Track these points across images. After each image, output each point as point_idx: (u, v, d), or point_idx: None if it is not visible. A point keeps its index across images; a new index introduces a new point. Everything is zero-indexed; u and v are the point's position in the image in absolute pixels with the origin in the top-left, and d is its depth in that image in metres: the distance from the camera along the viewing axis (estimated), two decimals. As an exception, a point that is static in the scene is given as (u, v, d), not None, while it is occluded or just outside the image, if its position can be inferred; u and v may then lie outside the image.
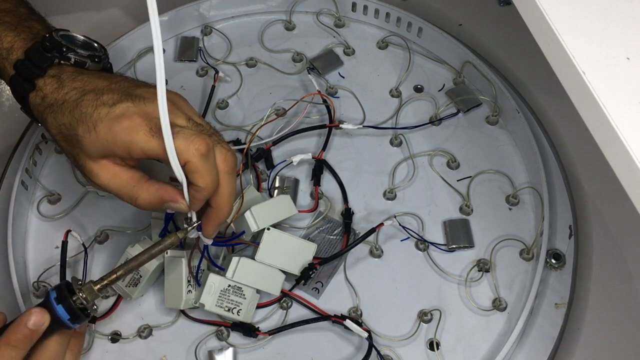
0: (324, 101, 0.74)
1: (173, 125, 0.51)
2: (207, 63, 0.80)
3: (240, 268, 0.60)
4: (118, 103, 0.52)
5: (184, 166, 0.51)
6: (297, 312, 0.64)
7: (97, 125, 0.52)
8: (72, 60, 0.57)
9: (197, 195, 0.53)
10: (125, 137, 0.51)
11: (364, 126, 0.74)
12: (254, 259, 0.61)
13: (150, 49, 0.81)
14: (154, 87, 0.49)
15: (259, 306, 0.63)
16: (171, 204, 0.54)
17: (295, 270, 0.63)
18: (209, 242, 0.59)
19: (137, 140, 0.51)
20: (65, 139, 0.54)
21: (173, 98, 0.56)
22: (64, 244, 0.62)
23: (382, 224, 0.65)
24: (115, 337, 0.62)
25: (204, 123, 0.56)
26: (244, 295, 0.61)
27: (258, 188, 0.70)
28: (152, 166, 0.65)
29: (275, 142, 0.72)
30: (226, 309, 0.60)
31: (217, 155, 0.53)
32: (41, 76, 0.56)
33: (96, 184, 0.54)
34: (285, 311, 0.63)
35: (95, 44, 0.62)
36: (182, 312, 0.63)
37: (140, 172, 0.55)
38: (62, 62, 0.57)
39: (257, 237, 0.64)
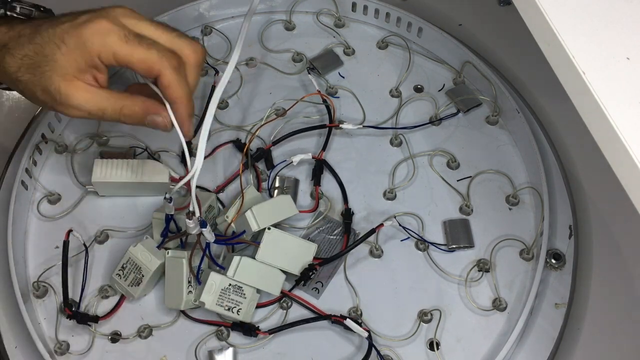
0: (324, 101, 0.74)
1: (143, 37, 0.53)
2: (207, 63, 0.80)
3: (241, 267, 0.60)
4: (80, 15, 0.53)
5: (156, 79, 0.53)
6: (297, 312, 0.64)
7: (64, 38, 0.52)
8: (18, 9, 0.57)
9: (179, 113, 0.54)
10: (96, 40, 0.52)
11: (364, 126, 0.74)
12: (254, 258, 0.62)
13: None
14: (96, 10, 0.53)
15: (259, 306, 0.63)
16: (154, 116, 0.54)
17: (295, 270, 0.63)
18: (211, 239, 0.59)
19: (110, 44, 0.52)
20: (30, 69, 0.53)
21: (125, 12, 0.55)
22: (66, 243, 0.62)
23: (382, 224, 0.65)
24: (115, 337, 0.62)
25: (163, 25, 0.57)
26: (244, 294, 0.61)
27: (258, 188, 0.70)
28: (152, 166, 0.65)
29: (275, 142, 0.72)
30: (226, 308, 0.60)
31: (186, 57, 0.55)
32: None
33: (75, 108, 0.54)
34: (285, 311, 0.63)
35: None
36: (182, 312, 0.63)
37: (118, 90, 0.55)
38: (7, 13, 0.56)
39: (257, 236, 0.64)
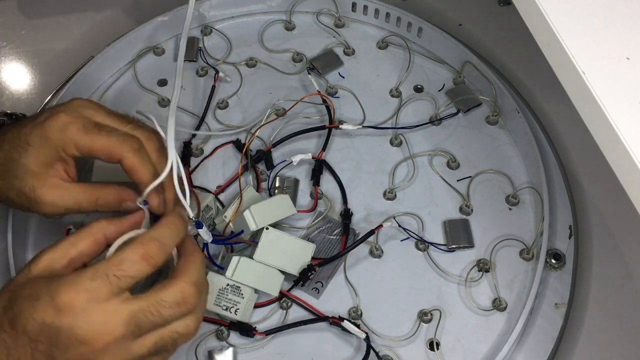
0: (324, 102, 0.74)
1: (102, 125, 0.54)
2: (207, 63, 0.80)
3: (240, 267, 0.60)
4: (40, 115, 0.55)
5: (118, 162, 0.53)
6: (297, 312, 0.64)
7: (28, 139, 0.54)
8: None
9: (151, 194, 0.54)
10: (57, 134, 0.53)
11: (363, 126, 0.74)
12: (252, 258, 0.61)
13: (150, 49, 0.81)
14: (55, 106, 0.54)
15: (258, 305, 0.63)
16: (128, 203, 0.55)
17: (293, 270, 0.63)
18: (208, 239, 0.59)
19: (71, 135, 0.53)
20: (2, 175, 0.54)
21: (83, 104, 0.57)
22: None
23: (381, 225, 0.65)
24: (115, 337, 0.62)
25: (120, 114, 0.58)
26: (242, 294, 0.61)
27: (257, 189, 0.70)
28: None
29: (275, 144, 0.72)
30: (224, 307, 0.60)
31: (140, 136, 0.56)
32: None
33: (50, 205, 0.54)
34: (285, 311, 0.63)
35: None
36: None
37: (90, 182, 0.57)
38: None
39: (255, 236, 0.64)
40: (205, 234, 0.58)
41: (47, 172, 0.54)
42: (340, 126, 0.72)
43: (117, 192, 0.56)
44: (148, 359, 0.48)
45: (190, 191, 0.65)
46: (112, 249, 0.49)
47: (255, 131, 0.72)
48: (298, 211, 0.67)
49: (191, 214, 0.55)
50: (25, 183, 0.54)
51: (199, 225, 0.57)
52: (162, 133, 0.57)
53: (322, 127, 0.73)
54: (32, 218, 0.69)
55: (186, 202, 0.55)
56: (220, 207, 0.68)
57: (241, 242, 0.64)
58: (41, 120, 0.54)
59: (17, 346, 0.45)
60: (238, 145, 0.73)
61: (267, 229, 0.62)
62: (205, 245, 0.60)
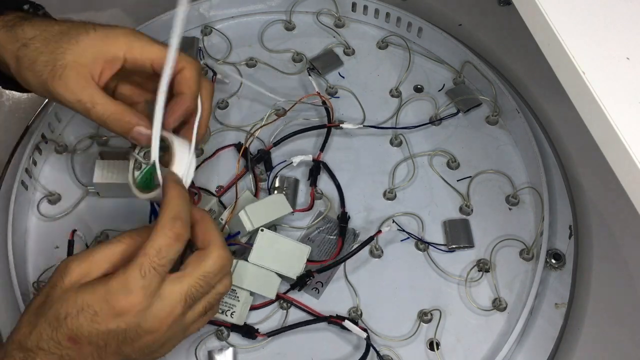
0: (323, 103, 0.74)
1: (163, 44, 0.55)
2: (206, 64, 0.80)
3: (236, 271, 0.60)
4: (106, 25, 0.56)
5: (178, 72, 0.55)
6: (297, 313, 0.64)
7: (96, 27, 0.55)
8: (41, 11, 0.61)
9: (178, 106, 0.55)
10: (125, 37, 0.55)
11: (364, 126, 0.74)
12: (246, 260, 0.61)
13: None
14: None
15: (256, 307, 0.63)
16: (140, 129, 0.55)
17: (288, 272, 0.62)
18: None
19: (140, 42, 0.55)
20: (45, 41, 0.54)
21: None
22: (71, 243, 0.62)
23: (379, 231, 0.65)
24: (115, 337, 0.62)
25: None
26: (237, 297, 0.60)
27: (255, 192, 0.69)
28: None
29: (275, 144, 0.72)
30: (220, 311, 0.60)
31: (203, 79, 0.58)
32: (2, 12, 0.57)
33: (68, 89, 0.54)
34: (285, 312, 0.63)
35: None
36: None
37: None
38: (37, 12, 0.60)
39: (251, 238, 0.64)
40: None
41: (90, 62, 0.54)
42: (340, 125, 0.72)
43: (137, 115, 0.55)
44: (199, 320, 0.52)
45: (197, 191, 0.66)
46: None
47: (255, 131, 0.72)
48: (295, 210, 0.67)
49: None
50: (64, 57, 0.53)
51: None
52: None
53: (323, 126, 0.73)
54: (32, 218, 0.69)
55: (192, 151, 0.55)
56: (223, 210, 0.68)
57: (235, 244, 0.64)
58: (115, 25, 0.56)
59: (82, 355, 0.47)
60: (239, 148, 0.73)
61: (262, 230, 0.62)
62: None
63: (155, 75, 0.53)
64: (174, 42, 0.51)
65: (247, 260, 0.61)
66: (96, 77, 0.54)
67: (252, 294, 0.62)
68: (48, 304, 0.47)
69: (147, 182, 0.55)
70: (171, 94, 0.55)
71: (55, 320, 0.46)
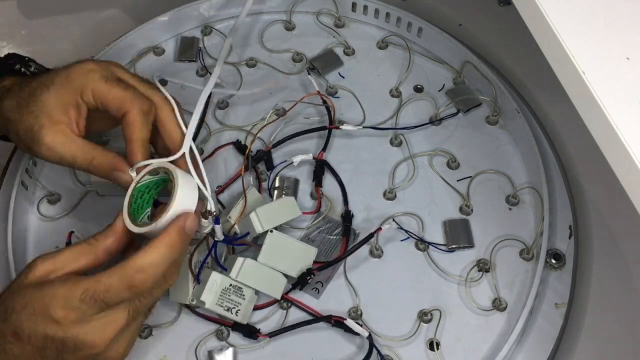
0: (324, 102, 0.74)
1: (122, 81, 0.57)
2: (205, 67, 0.80)
3: (244, 269, 0.60)
4: (69, 65, 0.58)
5: (123, 116, 0.56)
6: (297, 313, 0.64)
7: (54, 79, 0.57)
8: (32, 68, 0.65)
9: (129, 154, 0.57)
10: (80, 77, 0.56)
11: (364, 127, 0.74)
12: (256, 260, 0.61)
13: (150, 49, 0.81)
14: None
15: (258, 307, 0.63)
16: (119, 173, 0.56)
17: (295, 273, 0.63)
18: (221, 237, 0.59)
19: (91, 81, 0.56)
20: (20, 108, 0.56)
21: (114, 63, 0.60)
22: (68, 244, 0.62)
23: (379, 228, 0.65)
24: (115, 337, 0.62)
25: (143, 78, 0.61)
26: (243, 295, 0.61)
27: (259, 189, 0.69)
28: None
29: (275, 145, 0.72)
30: (225, 308, 0.60)
31: (161, 106, 0.59)
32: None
33: (49, 148, 0.56)
34: (285, 312, 0.63)
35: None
36: (187, 306, 0.63)
37: (91, 141, 0.58)
38: (22, 69, 0.64)
39: (259, 239, 0.64)
40: (219, 231, 0.58)
41: (60, 116, 0.56)
42: (340, 126, 0.72)
43: (113, 159, 0.57)
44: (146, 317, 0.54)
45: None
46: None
47: (257, 132, 0.72)
48: (302, 213, 0.67)
49: (213, 207, 0.56)
50: (37, 120, 0.56)
51: (217, 220, 0.57)
52: (174, 104, 0.60)
53: (323, 128, 0.73)
54: (32, 218, 0.69)
55: (208, 192, 0.56)
56: (221, 208, 0.68)
57: (246, 244, 0.64)
58: (71, 64, 0.58)
59: (24, 353, 0.47)
60: (238, 146, 0.73)
61: (271, 231, 0.62)
62: (214, 244, 0.60)
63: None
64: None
65: (256, 260, 0.61)
66: (74, 128, 0.57)
67: (256, 292, 0.62)
68: (4, 296, 0.49)
69: (141, 214, 0.56)
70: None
71: (4, 312, 0.47)
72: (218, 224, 0.57)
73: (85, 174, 0.68)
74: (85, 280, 0.48)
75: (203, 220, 0.56)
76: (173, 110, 0.59)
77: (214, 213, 0.56)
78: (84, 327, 0.48)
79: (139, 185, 0.56)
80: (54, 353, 0.48)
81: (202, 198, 0.56)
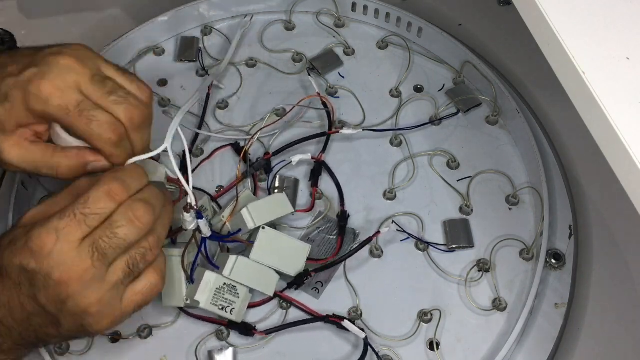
0: (324, 105, 0.74)
1: (109, 79, 0.53)
2: (204, 69, 0.80)
3: (237, 267, 0.60)
4: (24, 71, 0.52)
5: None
6: (297, 312, 0.64)
7: (8, 94, 0.51)
8: None
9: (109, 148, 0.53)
10: (38, 101, 0.51)
11: (363, 129, 0.74)
12: (248, 257, 0.61)
13: (150, 49, 0.81)
14: (56, 45, 0.53)
15: (253, 305, 0.63)
16: (95, 163, 0.54)
17: (289, 270, 0.62)
18: (207, 233, 0.59)
19: (52, 106, 0.51)
20: None
21: (85, 52, 0.55)
22: None
23: (378, 232, 0.65)
24: (115, 337, 0.62)
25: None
26: (237, 294, 0.61)
27: (254, 191, 0.69)
28: (146, 166, 0.65)
29: (275, 153, 0.72)
30: (220, 307, 0.60)
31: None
32: None
33: (9, 164, 0.54)
34: (284, 311, 0.63)
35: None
36: (182, 309, 0.63)
37: (53, 144, 0.55)
38: None
39: (252, 236, 0.64)
40: (204, 227, 0.58)
41: (16, 129, 0.53)
42: (340, 131, 0.72)
43: (79, 155, 0.54)
44: (128, 280, 0.50)
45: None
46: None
47: (255, 134, 0.72)
48: (296, 210, 0.67)
49: (194, 201, 0.55)
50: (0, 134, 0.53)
51: (199, 215, 0.57)
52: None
53: (322, 134, 0.73)
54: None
55: (189, 188, 0.55)
56: (216, 208, 0.68)
57: (238, 241, 0.64)
58: (25, 79, 0.51)
59: (4, 290, 0.47)
60: (237, 148, 0.73)
61: (263, 228, 0.62)
62: (203, 242, 0.60)
63: None
64: None
65: (248, 257, 0.61)
66: (31, 137, 0.54)
67: (251, 291, 0.62)
68: None
69: None
70: None
71: None
72: (201, 218, 0.57)
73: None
74: (62, 209, 0.48)
75: (186, 214, 0.56)
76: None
77: (195, 207, 0.56)
78: (55, 259, 0.46)
79: None
80: (26, 289, 0.47)
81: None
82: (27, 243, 0.47)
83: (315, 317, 0.62)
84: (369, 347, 0.60)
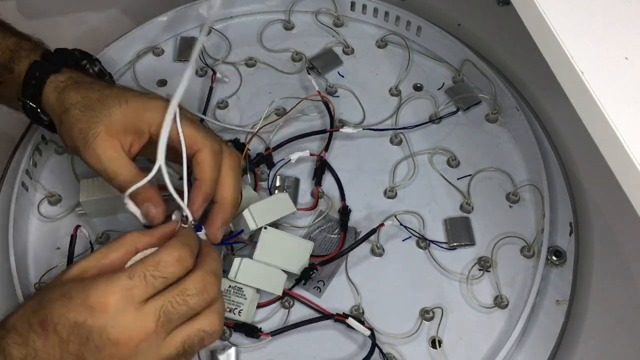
0: (325, 104, 0.74)
1: (194, 121, 0.57)
2: (206, 64, 0.80)
3: (242, 269, 0.61)
4: (148, 94, 0.59)
5: (193, 155, 0.55)
6: (299, 312, 0.64)
7: (128, 99, 0.57)
8: (97, 68, 0.67)
9: (197, 192, 0.55)
10: (152, 113, 0.56)
11: (363, 128, 0.74)
12: (251, 258, 0.62)
13: (149, 49, 0.82)
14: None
15: (260, 305, 0.63)
16: (150, 206, 0.56)
17: (293, 268, 0.63)
18: (215, 242, 0.59)
19: (159, 120, 0.54)
20: (84, 109, 0.57)
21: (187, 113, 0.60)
22: (73, 237, 0.62)
23: (382, 224, 0.65)
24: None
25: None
26: (244, 295, 0.61)
27: (255, 187, 0.70)
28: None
29: (275, 148, 0.72)
30: (227, 309, 0.60)
31: (224, 155, 0.58)
32: (59, 70, 0.61)
33: (96, 157, 0.56)
34: (287, 310, 0.64)
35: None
36: None
37: (137, 167, 0.57)
38: (87, 65, 0.66)
39: (254, 236, 0.64)
40: (204, 237, 0.58)
41: (119, 133, 0.56)
42: (340, 130, 0.72)
43: (149, 191, 0.56)
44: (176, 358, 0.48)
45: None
46: (130, 263, 0.50)
47: (257, 131, 0.72)
48: (298, 209, 0.68)
49: (190, 217, 0.55)
50: (96, 127, 0.56)
51: (198, 228, 0.57)
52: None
53: (323, 132, 0.73)
54: (32, 219, 0.69)
55: (184, 203, 0.54)
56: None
57: (240, 242, 0.64)
58: (147, 97, 0.58)
59: (45, 347, 0.45)
60: (237, 145, 0.73)
61: (265, 228, 0.62)
62: None
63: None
64: (169, 117, 0.53)
65: (252, 258, 0.61)
66: (126, 148, 0.57)
67: (258, 291, 0.62)
68: (42, 291, 0.48)
69: None
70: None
71: (38, 303, 0.46)
72: (200, 230, 0.57)
73: (87, 174, 0.68)
74: (130, 267, 0.47)
75: (184, 226, 0.56)
76: (236, 167, 0.59)
77: (192, 222, 0.55)
78: (117, 318, 0.45)
79: None
80: (75, 347, 0.45)
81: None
82: (88, 298, 0.45)
83: (320, 316, 0.62)
84: (375, 346, 0.60)
